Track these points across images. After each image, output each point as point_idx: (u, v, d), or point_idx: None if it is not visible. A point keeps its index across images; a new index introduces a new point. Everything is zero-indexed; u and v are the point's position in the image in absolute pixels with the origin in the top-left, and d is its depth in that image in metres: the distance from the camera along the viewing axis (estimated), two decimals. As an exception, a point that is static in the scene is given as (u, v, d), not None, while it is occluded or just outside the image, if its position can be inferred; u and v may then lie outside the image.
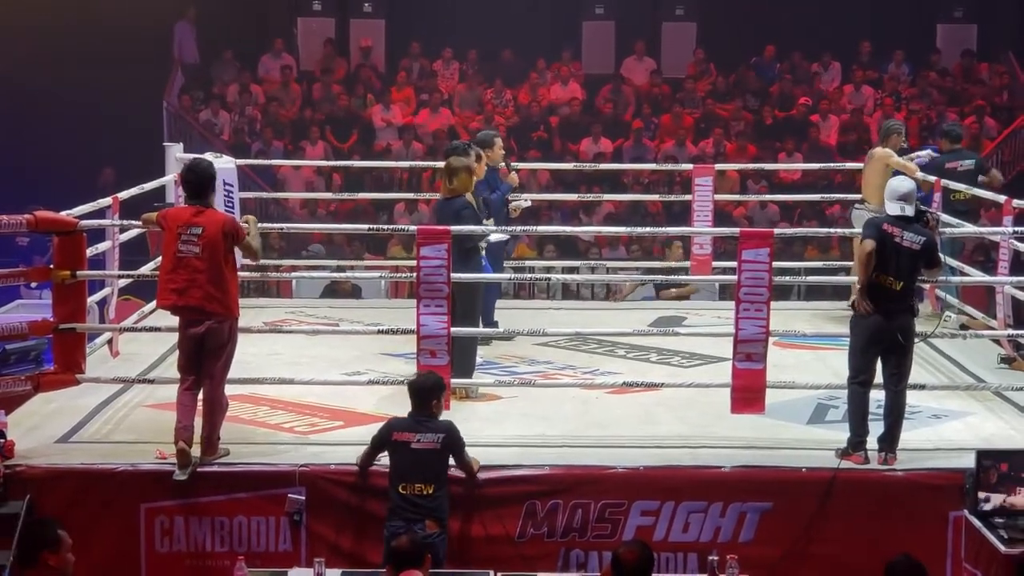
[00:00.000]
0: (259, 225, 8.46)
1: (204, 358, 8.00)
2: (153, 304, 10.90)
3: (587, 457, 8.17)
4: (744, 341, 8.43)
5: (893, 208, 8.16)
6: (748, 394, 8.48)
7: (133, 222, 8.88)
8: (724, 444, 8.38)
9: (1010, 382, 9.40)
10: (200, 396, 8.06)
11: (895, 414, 8.12)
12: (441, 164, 10.41)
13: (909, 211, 8.15)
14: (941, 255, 8.67)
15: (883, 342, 8.09)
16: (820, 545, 7.89)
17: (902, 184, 8.31)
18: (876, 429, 8.18)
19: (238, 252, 8.26)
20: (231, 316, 8.06)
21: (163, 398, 8.87)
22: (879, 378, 8.20)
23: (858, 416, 8.14)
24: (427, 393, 7.69)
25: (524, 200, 11.00)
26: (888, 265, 8.01)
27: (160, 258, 8.40)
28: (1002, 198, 10.74)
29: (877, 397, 8.26)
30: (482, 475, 7.85)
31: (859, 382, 8.17)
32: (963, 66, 19.43)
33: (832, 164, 12.65)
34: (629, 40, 19.76)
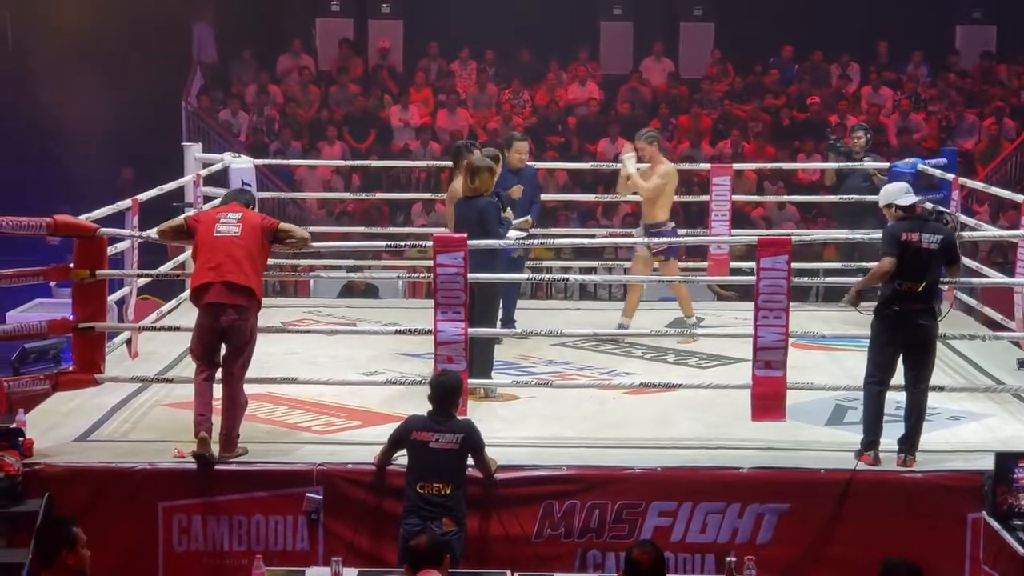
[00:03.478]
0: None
1: (225, 355, 8.04)
2: (172, 303, 10.98)
3: (604, 457, 8.17)
4: (763, 348, 8.40)
5: (907, 199, 8.16)
6: (768, 401, 8.44)
7: (150, 233, 8.88)
8: (742, 445, 8.37)
9: (1029, 384, 9.38)
10: (219, 392, 8.09)
11: (915, 416, 8.10)
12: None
13: (905, 201, 8.15)
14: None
15: (902, 343, 8.07)
16: (838, 546, 7.88)
17: (894, 185, 8.41)
18: (897, 431, 8.17)
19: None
20: (257, 302, 8.11)
21: (181, 397, 8.89)
22: (900, 380, 8.18)
23: (872, 417, 8.12)
24: (449, 393, 7.71)
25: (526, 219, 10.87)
26: (909, 272, 8.01)
27: (179, 257, 8.47)
28: (1020, 198, 10.73)
29: (899, 399, 8.25)
30: (499, 475, 7.86)
31: (876, 382, 8.15)
32: (982, 67, 19.37)
33: (850, 164, 12.60)
34: (647, 40, 19.74)
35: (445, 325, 8.46)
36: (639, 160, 11.13)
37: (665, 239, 10.78)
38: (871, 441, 8.08)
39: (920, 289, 8.00)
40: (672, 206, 11.29)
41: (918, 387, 8.12)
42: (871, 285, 8.19)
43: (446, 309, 8.46)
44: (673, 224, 11.27)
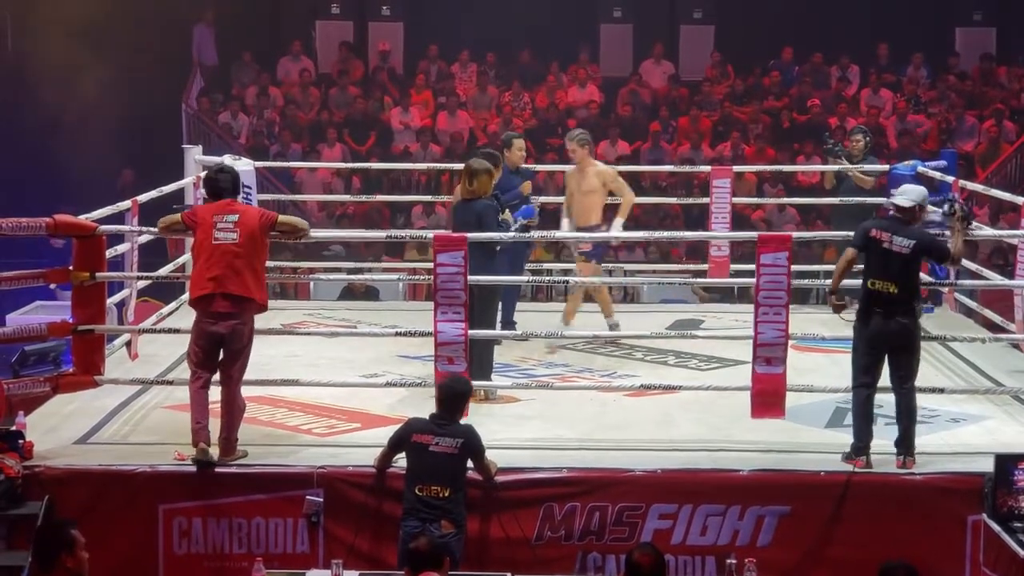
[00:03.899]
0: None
1: (223, 359, 8.03)
2: (172, 305, 10.98)
3: (605, 460, 8.17)
4: (763, 345, 8.42)
5: (896, 199, 8.25)
6: (768, 398, 8.45)
7: (151, 228, 8.89)
8: (742, 447, 8.37)
9: (1029, 386, 9.37)
10: (217, 396, 8.08)
11: (907, 416, 8.10)
12: (458, 166, 10.41)
13: (901, 201, 8.18)
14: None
15: (883, 344, 8.08)
16: (838, 549, 7.88)
17: (914, 186, 8.48)
18: (895, 433, 8.17)
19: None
20: (262, 307, 8.09)
21: (181, 399, 8.87)
22: (887, 382, 8.19)
23: (861, 420, 8.12)
24: (456, 398, 7.73)
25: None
26: (877, 270, 8.05)
27: (180, 259, 8.45)
28: (1020, 200, 10.73)
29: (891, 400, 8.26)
30: (500, 477, 7.85)
31: (862, 385, 8.15)
32: (981, 69, 19.37)
33: (849, 166, 12.60)
34: (647, 43, 19.75)
35: (445, 325, 8.46)
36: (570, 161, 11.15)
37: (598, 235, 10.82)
38: (862, 446, 8.08)
39: (893, 291, 8.00)
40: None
41: (904, 387, 8.12)
42: (839, 281, 8.30)
43: (446, 309, 8.45)
44: (605, 227, 11.18)
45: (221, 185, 8.22)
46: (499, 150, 10.87)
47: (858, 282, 8.30)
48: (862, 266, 8.25)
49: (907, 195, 8.21)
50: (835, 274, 8.36)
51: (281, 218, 8.28)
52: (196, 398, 8.01)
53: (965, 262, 11.25)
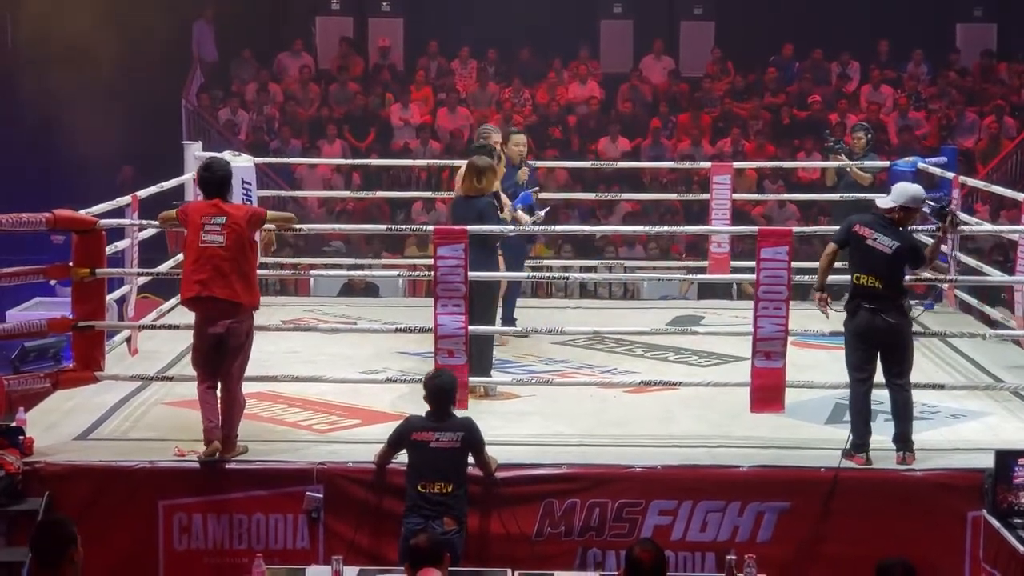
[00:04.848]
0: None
1: (222, 357, 8.02)
2: (172, 302, 10.97)
3: (605, 456, 8.17)
4: (763, 340, 8.43)
5: (880, 201, 8.28)
6: (767, 393, 8.47)
7: (151, 222, 8.92)
8: (742, 443, 8.38)
9: (1030, 382, 9.37)
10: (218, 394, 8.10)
11: (903, 412, 8.10)
12: (458, 162, 10.36)
13: (881, 202, 8.22)
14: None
15: (872, 340, 8.08)
16: (838, 545, 7.88)
17: (905, 185, 8.45)
18: (892, 429, 8.17)
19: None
20: (252, 308, 8.09)
21: (181, 395, 8.90)
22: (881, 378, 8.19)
23: (860, 418, 8.11)
24: (445, 393, 7.70)
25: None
26: (861, 265, 8.08)
27: (180, 256, 8.44)
28: (1021, 196, 10.73)
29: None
30: (500, 474, 7.85)
31: (858, 381, 8.15)
32: (982, 66, 19.37)
33: (850, 163, 12.59)
34: (647, 39, 19.76)
35: (445, 318, 8.46)
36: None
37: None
38: (861, 443, 8.08)
39: (879, 287, 8.00)
40: None
41: (898, 383, 8.12)
42: (824, 276, 8.32)
43: (446, 302, 8.46)
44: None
45: (207, 183, 8.17)
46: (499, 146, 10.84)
47: (842, 278, 8.30)
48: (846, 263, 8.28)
49: (891, 196, 8.22)
50: (819, 270, 8.37)
51: (270, 214, 8.39)
52: (204, 398, 8.01)
53: (965, 259, 11.29)
